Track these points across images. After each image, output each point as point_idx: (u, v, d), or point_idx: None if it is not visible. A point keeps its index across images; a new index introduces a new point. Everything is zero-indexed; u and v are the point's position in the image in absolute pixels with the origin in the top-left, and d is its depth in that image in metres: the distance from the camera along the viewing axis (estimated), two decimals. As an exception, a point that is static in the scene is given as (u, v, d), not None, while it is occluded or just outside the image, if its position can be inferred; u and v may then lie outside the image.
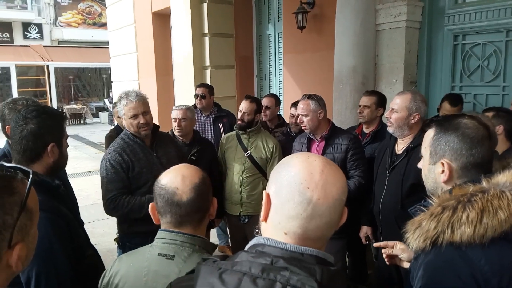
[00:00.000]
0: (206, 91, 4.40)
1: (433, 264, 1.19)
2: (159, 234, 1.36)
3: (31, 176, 0.94)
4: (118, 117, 4.14)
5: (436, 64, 4.29)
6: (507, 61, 3.78)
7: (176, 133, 3.39)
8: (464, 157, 1.30)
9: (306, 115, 2.94)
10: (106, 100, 13.82)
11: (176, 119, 3.35)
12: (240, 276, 0.81)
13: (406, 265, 1.65)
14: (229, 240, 4.31)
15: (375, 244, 1.80)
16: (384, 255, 1.71)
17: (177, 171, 1.36)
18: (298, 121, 3.01)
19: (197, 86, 4.54)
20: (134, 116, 2.59)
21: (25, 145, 1.63)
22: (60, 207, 1.65)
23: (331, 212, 0.89)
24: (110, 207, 2.55)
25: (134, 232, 2.60)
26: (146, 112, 2.64)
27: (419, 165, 1.47)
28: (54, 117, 1.74)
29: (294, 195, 0.87)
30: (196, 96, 4.38)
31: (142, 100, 2.65)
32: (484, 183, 1.20)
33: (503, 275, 1.12)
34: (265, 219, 0.93)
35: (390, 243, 1.70)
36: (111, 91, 13.30)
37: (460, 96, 3.71)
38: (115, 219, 4.62)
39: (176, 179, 1.33)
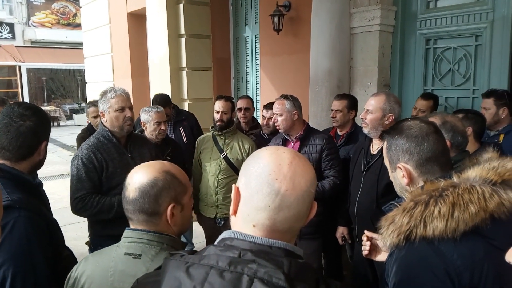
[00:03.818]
0: (168, 111, 4.14)
1: (407, 259, 1.20)
2: (125, 233, 1.33)
3: None
4: (93, 117, 4.06)
5: (408, 68, 4.38)
6: (477, 65, 3.89)
7: (160, 136, 3.41)
8: (415, 155, 1.34)
9: (280, 115, 2.95)
10: None
11: (160, 122, 3.39)
12: (207, 269, 0.80)
13: (379, 258, 1.66)
14: (194, 249, 4.26)
15: (364, 238, 1.77)
16: (364, 242, 1.72)
17: (139, 167, 1.35)
18: (273, 120, 3.02)
19: (155, 107, 3.89)
20: (122, 109, 2.56)
21: (22, 142, 1.61)
22: (40, 206, 1.61)
23: (299, 203, 0.89)
24: (78, 206, 2.48)
25: (107, 235, 2.53)
26: (131, 107, 2.64)
27: (391, 178, 1.50)
28: (46, 115, 1.75)
29: (262, 186, 0.87)
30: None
31: (128, 95, 2.66)
32: (455, 178, 1.22)
33: (475, 269, 1.14)
34: (235, 212, 0.93)
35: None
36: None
37: (433, 94, 3.85)
38: (87, 222, 4.54)
39: (131, 174, 1.33)
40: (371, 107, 2.61)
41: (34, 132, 1.64)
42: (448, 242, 1.15)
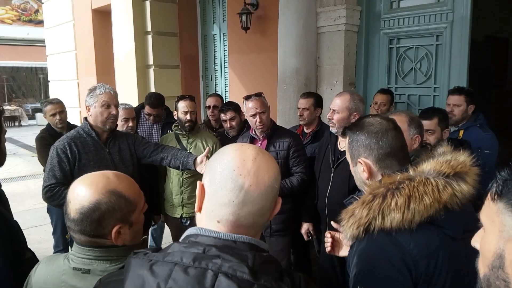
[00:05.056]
0: (160, 111, 4.09)
1: (366, 250, 1.24)
2: (74, 247, 1.27)
3: None
4: (51, 115, 3.92)
5: (373, 66, 4.48)
6: (438, 64, 4.03)
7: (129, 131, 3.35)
8: (375, 150, 1.38)
9: (263, 112, 2.93)
10: None
11: (127, 118, 3.39)
12: (171, 266, 0.80)
13: (342, 253, 1.70)
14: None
15: (328, 234, 1.78)
16: (327, 239, 1.74)
17: (81, 182, 1.23)
18: (258, 120, 2.92)
19: (149, 104, 4.02)
20: (107, 105, 2.64)
21: None
22: None
23: (263, 198, 0.90)
24: (47, 195, 2.56)
25: None
26: (117, 106, 2.73)
27: (352, 172, 1.53)
28: None
29: (226, 182, 0.88)
30: (148, 115, 4.09)
31: (116, 94, 2.75)
32: (411, 171, 1.27)
33: (431, 258, 1.19)
34: (200, 209, 0.93)
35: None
36: None
37: (389, 89, 4.04)
38: (50, 225, 4.40)
39: (73, 191, 1.23)
40: (337, 107, 2.66)
41: None
42: (405, 232, 1.19)
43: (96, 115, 2.65)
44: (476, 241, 0.79)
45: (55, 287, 1.24)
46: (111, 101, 2.66)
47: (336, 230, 1.65)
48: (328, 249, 1.74)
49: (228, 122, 3.57)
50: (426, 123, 2.64)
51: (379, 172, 1.37)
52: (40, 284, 1.27)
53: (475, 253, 0.79)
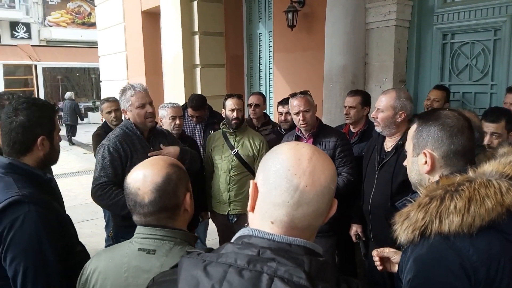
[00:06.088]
0: (203, 112, 4.12)
1: (422, 255, 1.18)
2: (138, 229, 1.33)
3: None
4: (107, 112, 4.07)
5: (425, 63, 4.31)
6: (495, 60, 3.81)
7: (175, 130, 3.40)
8: (445, 145, 1.29)
9: (307, 111, 2.90)
10: None
11: (175, 116, 3.43)
12: (225, 268, 0.78)
13: (395, 269, 1.64)
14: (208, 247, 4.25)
15: (375, 253, 1.74)
16: (375, 258, 1.69)
17: (140, 169, 1.34)
18: (302, 118, 2.91)
19: (191, 106, 4.10)
20: (142, 106, 2.64)
21: (14, 137, 1.59)
22: (51, 201, 1.61)
23: (319, 200, 0.86)
24: (97, 193, 2.55)
25: (128, 225, 2.56)
26: (151, 103, 2.73)
27: (404, 163, 1.47)
28: (44, 109, 1.69)
29: (281, 181, 0.85)
30: (191, 117, 4.16)
31: (147, 91, 2.74)
32: (471, 173, 1.20)
33: (491, 264, 1.12)
34: (252, 209, 0.91)
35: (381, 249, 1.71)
36: None
37: (446, 86, 3.87)
38: (103, 219, 4.57)
39: (138, 178, 1.31)
40: (382, 106, 2.56)
41: (25, 127, 1.60)
42: (464, 237, 1.13)
43: (134, 117, 2.65)
44: None
45: (117, 268, 1.28)
46: (145, 100, 2.65)
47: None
48: (379, 268, 1.70)
49: (284, 115, 3.67)
50: (492, 126, 2.49)
51: (441, 169, 1.30)
52: (101, 269, 1.31)
53: None
